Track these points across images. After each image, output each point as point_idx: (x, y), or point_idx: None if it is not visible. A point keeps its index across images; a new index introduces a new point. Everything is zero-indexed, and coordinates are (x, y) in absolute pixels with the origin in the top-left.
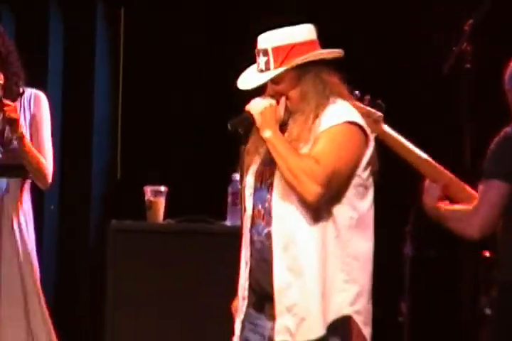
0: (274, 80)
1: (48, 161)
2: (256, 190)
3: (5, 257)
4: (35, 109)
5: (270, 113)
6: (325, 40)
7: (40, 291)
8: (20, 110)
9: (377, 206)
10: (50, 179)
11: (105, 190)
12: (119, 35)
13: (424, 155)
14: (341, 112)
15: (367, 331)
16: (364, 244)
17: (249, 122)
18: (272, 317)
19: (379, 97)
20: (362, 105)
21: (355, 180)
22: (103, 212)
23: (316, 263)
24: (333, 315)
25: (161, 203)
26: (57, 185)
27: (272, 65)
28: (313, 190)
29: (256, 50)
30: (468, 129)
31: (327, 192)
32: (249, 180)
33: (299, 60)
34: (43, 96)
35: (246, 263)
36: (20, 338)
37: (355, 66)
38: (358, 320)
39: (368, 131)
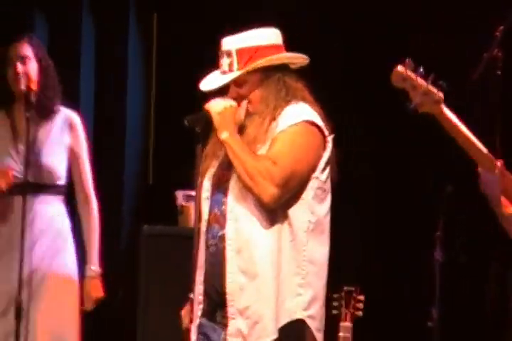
0: (237, 82)
1: (90, 189)
2: (213, 193)
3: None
4: (74, 137)
5: (229, 114)
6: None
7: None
8: (52, 128)
9: (408, 211)
10: (95, 205)
11: (137, 195)
12: (152, 39)
13: (481, 146)
14: (299, 112)
15: (319, 336)
16: (320, 249)
17: (207, 121)
18: (224, 326)
19: None
20: (424, 83)
21: (313, 183)
22: (135, 217)
23: (270, 266)
24: (286, 319)
25: (193, 208)
26: None
27: (235, 66)
28: (269, 191)
29: (219, 52)
30: (499, 139)
31: (284, 193)
32: (206, 183)
33: (262, 62)
34: (77, 120)
35: (200, 268)
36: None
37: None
38: (311, 325)
39: (326, 132)
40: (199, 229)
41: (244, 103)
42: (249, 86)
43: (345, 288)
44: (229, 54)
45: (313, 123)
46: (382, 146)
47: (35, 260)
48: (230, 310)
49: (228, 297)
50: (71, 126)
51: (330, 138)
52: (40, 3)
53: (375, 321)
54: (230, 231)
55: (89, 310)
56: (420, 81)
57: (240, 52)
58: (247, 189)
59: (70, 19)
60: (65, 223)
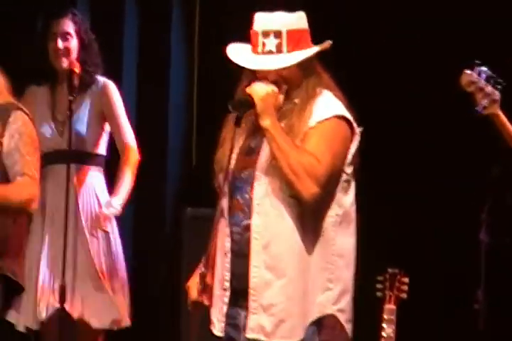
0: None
1: (131, 139)
2: (235, 179)
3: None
4: (107, 100)
5: (272, 100)
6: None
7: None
8: (89, 99)
9: (453, 193)
10: (137, 155)
11: (180, 177)
12: (194, 22)
13: None
14: (329, 106)
15: (349, 327)
16: (348, 240)
17: (249, 106)
18: (244, 308)
19: None
20: (484, 83)
21: (342, 176)
22: (178, 199)
23: (298, 263)
24: (315, 315)
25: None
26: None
27: (285, 48)
28: (312, 190)
29: (261, 30)
30: None
31: (323, 191)
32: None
33: (317, 48)
34: (110, 85)
35: (225, 254)
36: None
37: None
38: (341, 318)
39: (355, 124)
40: (221, 209)
41: (285, 87)
42: (291, 70)
43: (389, 270)
44: (278, 34)
45: (343, 118)
46: (425, 127)
47: (80, 230)
48: (253, 304)
49: (252, 291)
50: (105, 94)
51: (358, 131)
52: None
53: (419, 304)
54: (256, 224)
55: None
56: (484, 83)
57: (290, 33)
58: (287, 183)
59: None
60: (104, 191)
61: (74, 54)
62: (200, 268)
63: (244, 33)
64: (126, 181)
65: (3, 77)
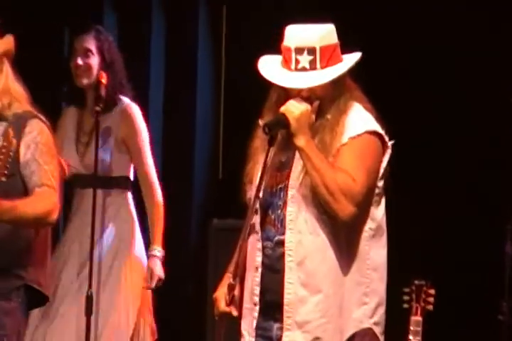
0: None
1: (154, 179)
2: (266, 194)
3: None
4: (127, 128)
5: (306, 119)
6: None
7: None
8: (111, 121)
9: (478, 203)
10: (160, 198)
11: (207, 189)
12: (221, 33)
13: None
14: (361, 120)
15: (382, 339)
16: (381, 252)
17: (284, 125)
18: (276, 320)
19: None
20: None
21: (375, 191)
22: (204, 211)
23: (334, 279)
24: (352, 330)
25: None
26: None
27: (318, 64)
28: (348, 210)
29: (294, 47)
30: None
31: (359, 210)
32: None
33: (350, 64)
34: (132, 108)
35: (256, 269)
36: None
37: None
38: (377, 330)
39: (386, 138)
40: (253, 223)
41: (316, 104)
42: (324, 87)
43: (415, 281)
44: (312, 51)
45: (375, 133)
46: (448, 136)
47: (104, 248)
48: (287, 321)
49: (286, 308)
50: (125, 118)
51: (390, 144)
52: None
53: (445, 315)
54: (290, 242)
55: (152, 288)
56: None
57: (323, 49)
58: (323, 202)
59: (140, 9)
60: (131, 213)
61: (94, 71)
62: (229, 279)
63: (269, 42)
64: (160, 227)
65: (21, 86)
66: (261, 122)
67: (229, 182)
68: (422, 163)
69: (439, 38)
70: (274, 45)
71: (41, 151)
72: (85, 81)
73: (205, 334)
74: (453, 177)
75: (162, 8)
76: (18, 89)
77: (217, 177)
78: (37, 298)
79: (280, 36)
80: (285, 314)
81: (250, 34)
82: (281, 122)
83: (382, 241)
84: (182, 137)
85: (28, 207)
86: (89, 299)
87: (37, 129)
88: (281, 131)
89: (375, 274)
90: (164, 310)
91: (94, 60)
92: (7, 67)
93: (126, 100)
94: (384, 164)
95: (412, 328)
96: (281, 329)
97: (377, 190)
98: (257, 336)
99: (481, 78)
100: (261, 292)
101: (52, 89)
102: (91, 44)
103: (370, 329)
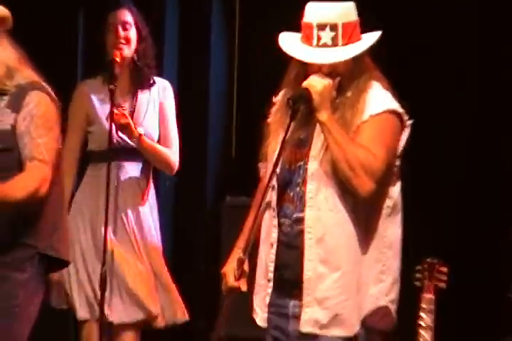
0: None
1: (174, 150)
2: (284, 170)
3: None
4: (164, 100)
5: (328, 94)
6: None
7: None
8: (150, 99)
9: (490, 186)
10: (176, 167)
11: (220, 167)
12: (234, 15)
13: None
14: (381, 99)
15: (395, 317)
16: (397, 231)
17: (307, 100)
18: (292, 297)
19: None
20: None
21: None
22: (218, 188)
23: (352, 256)
24: (369, 306)
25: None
26: None
27: (340, 41)
28: (368, 186)
29: (316, 23)
30: None
31: (378, 186)
32: (275, 162)
33: (372, 41)
34: (169, 87)
35: (271, 245)
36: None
37: None
38: (392, 308)
39: (405, 117)
40: (269, 202)
41: (337, 80)
42: (346, 64)
43: (427, 260)
44: (335, 27)
45: (394, 112)
46: (465, 115)
47: (123, 219)
48: (307, 298)
49: (305, 285)
50: (164, 91)
51: (408, 123)
52: None
53: (457, 293)
54: (310, 219)
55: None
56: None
57: (346, 26)
58: (343, 178)
59: (150, 6)
60: (150, 183)
61: (133, 44)
62: (238, 254)
63: (284, 24)
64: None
65: (18, 51)
66: (275, 99)
67: (242, 161)
68: (438, 141)
69: (459, 21)
70: (289, 22)
71: (36, 124)
72: (127, 52)
73: (219, 310)
74: (467, 157)
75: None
76: (13, 56)
77: (231, 156)
78: (58, 261)
79: (294, 14)
80: (305, 291)
81: (265, 11)
82: (304, 96)
83: (398, 220)
84: (195, 117)
85: (16, 189)
86: (103, 275)
87: (34, 101)
88: (302, 107)
89: (390, 252)
90: (178, 286)
91: (132, 33)
92: (4, 39)
93: (160, 79)
94: (402, 143)
95: (424, 306)
96: (299, 306)
97: (394, 169)
98: (270, 313)
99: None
100: (275, 268)
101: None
102: (128, 17)
103: (386, 307)
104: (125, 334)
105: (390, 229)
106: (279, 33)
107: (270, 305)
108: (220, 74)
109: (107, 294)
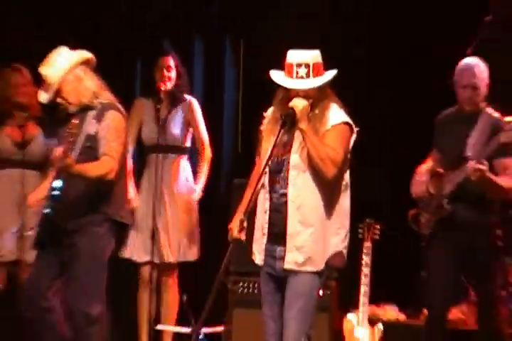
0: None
1: (206, 140)
2: (274, 162)
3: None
4: (191, 113)
5: (306, 110)
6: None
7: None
8: (179, 111)
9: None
10: (210, 152)
11: (231, 159)
12: (239, 58)
13: None
14: (338, 115)
15: (346, 258)
16: (347, 201)
17: (293, 115)
18: (280, 245)
19: None
20: None
21: (347, 161)
22: (229, 173)
23: (321, 219)
24: (331, 251)
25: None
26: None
27: (311, 74)
28: (332, 172)
29: (295, 63)
30: None
31: (339, 172)
32: (268, 157)
33: (332, 75)
34: (195, 102)
35: (265, 212)
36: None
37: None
38: (345, 252)
39: (353, 126)
40: (264, 184)
41: (310, 101)
42: (315, 89)
43: (366, 220)
44: (307, 65)
45: (347, 123)
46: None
47: (169, 193)
48: (289, 245)
49: (288, 238)
50: (190, 109)
51: (355, 131)
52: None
53: (387, 242)
54: (291, 194)
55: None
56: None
57: (315, 65)
58: (315, 166)
59: (184, 44)
60: (188, 170)
61: (173, 81)
62: (240, 216)
63: (274, 61)
64: (204, 173)
65: (100, 81)
66: (265, 114)
67: (245, 155)
68: (374, 142)
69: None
70: (273, 65)
71: (111, 133)
72: (169, 86)
73: (229, 273)
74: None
75: (202, 41)
76: (97, 84)
77: (238, 151)
78: (122, 224)
79: (281, 55)
80: (288, 241)
81: (259, 56)
82: (291, 113)
83: (348, 193)
84: (214, 125)
85: (92, 169)
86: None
87: (110, 117)
88: (288, 120)
89: (344, 215)
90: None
91: (173, 73)
92: (88, 72)
93: (189, 96)
94: (351, 143)
95: (365, 251)
96: (283, 251)
97: (347, 161)
98: (265, 255)
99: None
100: (269, 227)
101: (127, 88)
102: (171, 62)
103: (341, 251)
104: (171, 271)
105: (344, 199)
106: (271, 67)
107: (265, 250)
108: (230, 94)
109: (161, 241)
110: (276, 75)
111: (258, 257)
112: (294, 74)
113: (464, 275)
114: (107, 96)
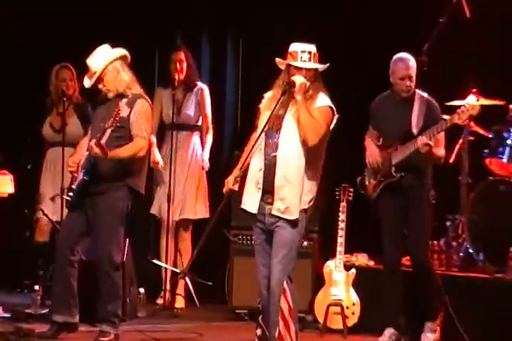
0: (309, 69)
1: (209, 124)
2: (268, 131)
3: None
4: (201, 98)
5: (304, 86)
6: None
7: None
8: (192, 96)
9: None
10: (211, 132)
11: (232, 136)
12: (239, 52)
13: None
14: (325, 100)
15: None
16: (321, 168)
17: (292, 86)
18: (268, 204)
19: None
20: None
21: (328, 135)
22: (231, 146)
23: (300, 177)
24: (302, 206)
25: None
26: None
27: (312, 60)
28: (314, 140)
29: (300, 50)
30: None
31: (320, 141)
32: (265, 124)
33: (327, 64)
34: (205, 88)
35: (260, 169)
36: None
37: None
38: (309, 211)
39: (334, 110)
40: (260, 147)
41: (308, 83)
42: (312, 73)
43: (342, 184)
44: (310, 53)
45: (331, 107)
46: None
47: (182, 165)
48: (275, 197)
49: (275, 190)
50: (201, 94)
51: (336, 116)
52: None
53: (356, 203)
54: (279, 156)
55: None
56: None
57: (315, 54)
58: (303, 133)
59: (194, 41)
60: (198, 144)
61: (185, 71)
62: (236, 172)
63: (265, 57)
64: (208, 144)
65: (133, 75)
66: (265, 95)
67: (243, 131)
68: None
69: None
70: (267, 57)
71: (140, 117)
72: (181, 76)
73: (230, 221)
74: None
75: (208, 38)
76: (133, 79)
77: (237, 128)
78: (136, 192)
79: (270, 53)
80: (275, 193)
81: (254, 48)
82: (292, 83)
83: (323, 160)
84: (218, 107)
85: (124, 151)
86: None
87: (140, 104)
88: (287, 88)
89: (315, 180)
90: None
91: (184, 65)
92: (125, 67)
93: (200, 83)
94: (332, 125)
95: (340, 209)
96: (270, 209)
97: (328, 135)
98: (258, 211)
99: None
100: (263, 181)
101: (144, 78)
102: (182, 56)
103: (307, 209)
104: (187, 226)
105: (319, 165)
106: (265, 59)
107: (258, 204)
108: (231, 82)
109: (182, 199)
110: (282, 60)
111: (251, 206)
112: (299, 59)
113: (405, 227)
114: (137, 88)
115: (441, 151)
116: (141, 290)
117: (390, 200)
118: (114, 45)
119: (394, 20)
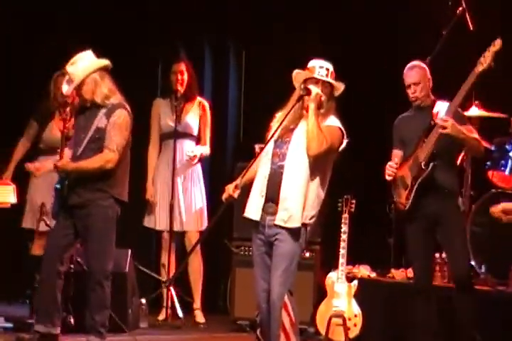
0: (324, 84)
1: (207, 137)
2: (277, 141)
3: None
4: (202, 113)
5: (319, 97)
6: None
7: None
8: (191, 108)
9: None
10: (208, 144)
11: (234, 147)
12: (241, 64)
13: None
14: (336, 121)
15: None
16: (325, 185)
17: (308, 94)
18: (270, 215)
19: None
20: None
21: (334, 155)
22: (234, 158)
23: (305, 188)
24: (303, 220)
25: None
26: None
27: (329, 76)
28: (316, 151)
29: (318, 65)
30: None
31: (324, 152)
32: (275, 135)
33: (343, 85)
34: (205, 103)
35: (265, 178)
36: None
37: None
38: (309, 225)
39: (344, 133)
40: (268, 154)
41: (324, 98)
42: (328, 90)
43: (345, 196)
44: (327, 69)
45: (341, 129)
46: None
47: (181, 174)
48: (280, 206)
49: (280, 199)
50: (202, 109)
51: (345, 137)
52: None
53: (359, 215)
54: (287, 166)
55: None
56: None
57: (332, 71)
58: (308, 143)
59: (196, 53)
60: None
61: (185, 81)
62: (237, 181)
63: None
64: (203, 149)
65: (113, 84)
66: (276, 115)
67: (245, 144)
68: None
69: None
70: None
71: (115, 129)
72: (180, 88)
73: (233, 232)
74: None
75: (211, 50)
76: (112, 89)
77: (240, 141)
78: (121, 202)
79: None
80: (280, 203)
81: (257, 61)
82: (308, 91)
83: (325, 186)
84: (220, 119)
85: (90, 163)
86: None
87: (118, 115)
88: (303, 95)
89: (318, 199)
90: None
91: (185, 76)
92: (105, 78)
93: (200, 98)
94: (340, 148)
95: (343, 220)
96: (271, 220)
97: (335, 156)
98: (259, 223)
99: None
100: (266, 190)
101: (147, 88)
102: (183, 68)
103: (309, 224)
104: (193, 235)
105: (322, 188)
106: (268, 74)
107: (261, 214)
108: (234, 94)
109: (183, 212)
110: (299, 72)
111: (254, 213)
112: (317, 73)
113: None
114: (118, 97)
115: (474, 134)
116: (143, 301)
117: (419, 223)
118: (115, 54)
119: (396, 34)
